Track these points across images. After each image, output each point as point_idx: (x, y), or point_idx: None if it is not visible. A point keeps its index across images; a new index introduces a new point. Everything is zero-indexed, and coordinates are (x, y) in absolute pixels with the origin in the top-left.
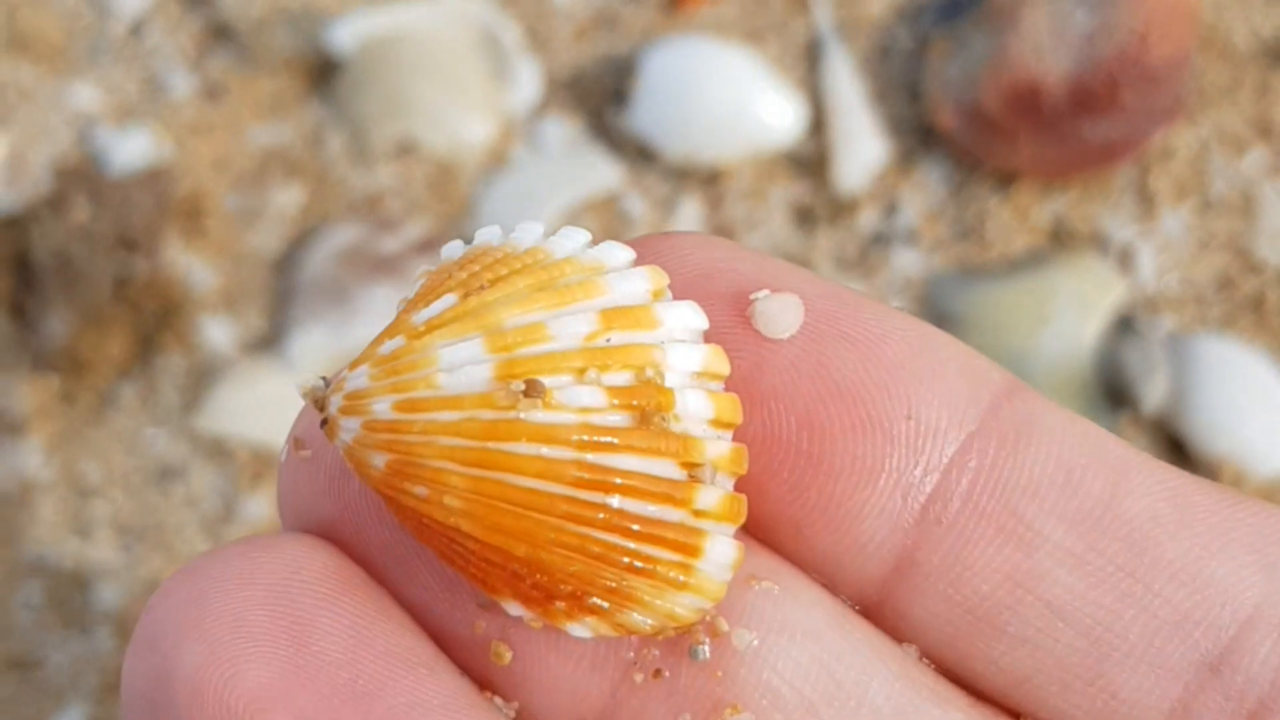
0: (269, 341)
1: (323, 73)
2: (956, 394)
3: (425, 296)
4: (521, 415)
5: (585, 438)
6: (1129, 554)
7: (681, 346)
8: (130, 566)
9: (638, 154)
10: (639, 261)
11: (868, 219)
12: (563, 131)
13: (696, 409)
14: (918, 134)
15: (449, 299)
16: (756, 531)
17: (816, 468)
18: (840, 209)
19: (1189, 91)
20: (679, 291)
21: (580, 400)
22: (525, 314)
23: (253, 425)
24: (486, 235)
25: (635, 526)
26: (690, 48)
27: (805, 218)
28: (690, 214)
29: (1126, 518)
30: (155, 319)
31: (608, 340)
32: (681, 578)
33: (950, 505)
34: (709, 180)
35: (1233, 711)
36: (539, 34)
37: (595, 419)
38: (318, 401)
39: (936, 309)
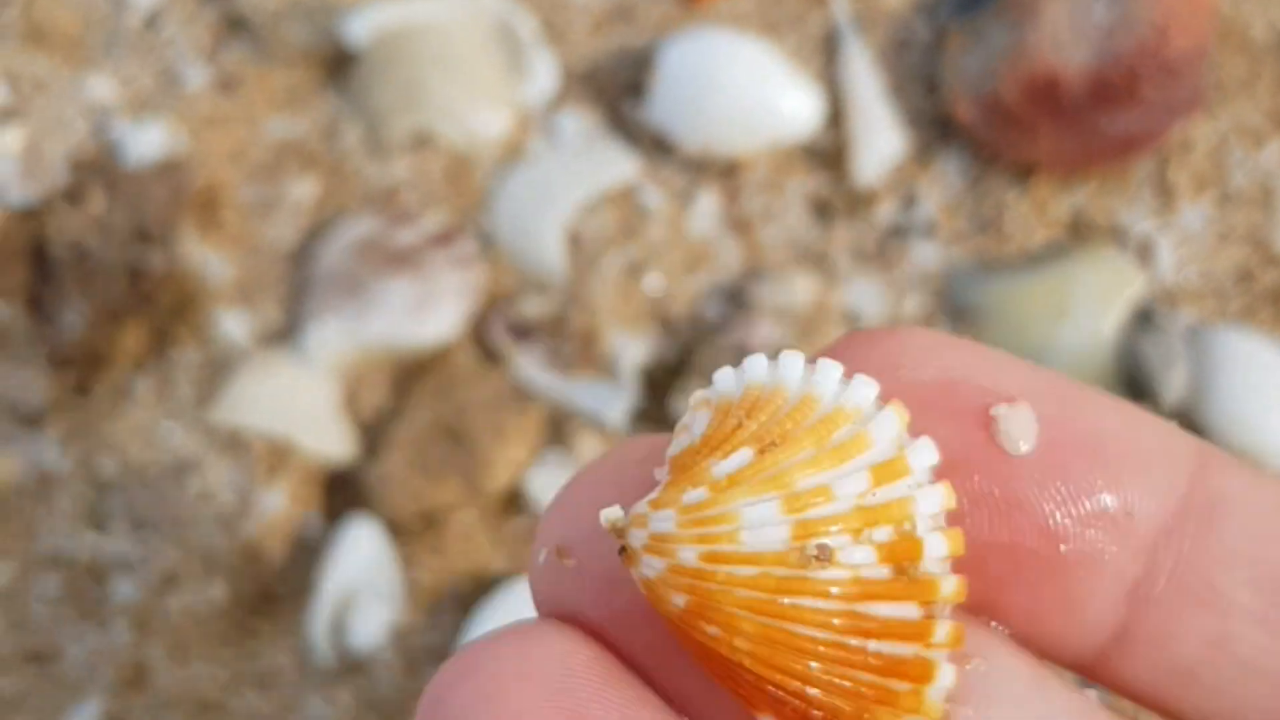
0: (284, 334)
1: (338, 65)
2: (1161, 480)
3: (720, 446)
4: (808, 575)
5: (856, 590)
6: None
7: (926, 491)
8: (147, 559)
9: (654, 146)
10: (873, 365)
11: (886, 211)
12: (579, 124)
13: (936, 551)
14: (936, 126)
15: (745, 454)
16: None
17: (1054, 568)
18: (858, 201)
19: (1208, 84)
20: (918, 405)
21: (855, 559)
22: (814, 475)
23: (269, 418)
24: (757, 369)
25: (881, 663)
26: (707, 40)
27: (823, 210)
28: (708, 206)
29: None
30: (171, 312)
31: (874, 496)
32: (913, 703)
33: (1158, 583)
34: (726, 172)
35: None
36: (555, 26)
37: (865, 573)
38: (618, 531)
39: (955, 302)
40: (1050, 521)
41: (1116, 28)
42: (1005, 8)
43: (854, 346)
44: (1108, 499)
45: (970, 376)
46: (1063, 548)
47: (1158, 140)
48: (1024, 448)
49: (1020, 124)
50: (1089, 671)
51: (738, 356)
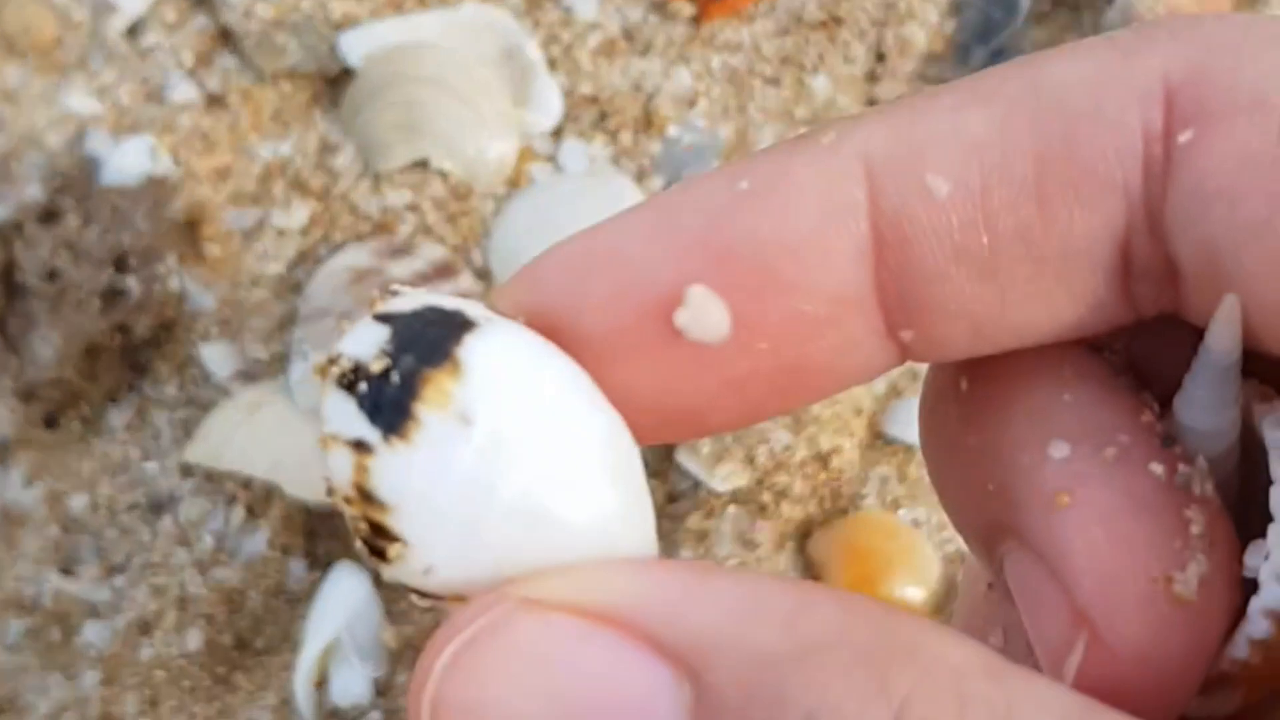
0: (269, 370)
1: (332, 84)
2: None
3: None
4: None
5: None
6: None
7: None
8: (118, 605)
9: (666, 179)
10: None
11: None
12: (585, 153)
13: None
14: None
15: None
16: None
17: None
18: None
19: None
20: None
21: None
22: None
23: (250, 459)
24: None
25: None
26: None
27: None
28: None
29: None
30: (148, 342)
31: None
32: None
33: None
34: None
35: None
36: (561, 49)
37: None
38: None
39: None
40: None
41: None
42: None
43: None
44: None
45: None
46: None
47: None
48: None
49: None
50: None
51: None
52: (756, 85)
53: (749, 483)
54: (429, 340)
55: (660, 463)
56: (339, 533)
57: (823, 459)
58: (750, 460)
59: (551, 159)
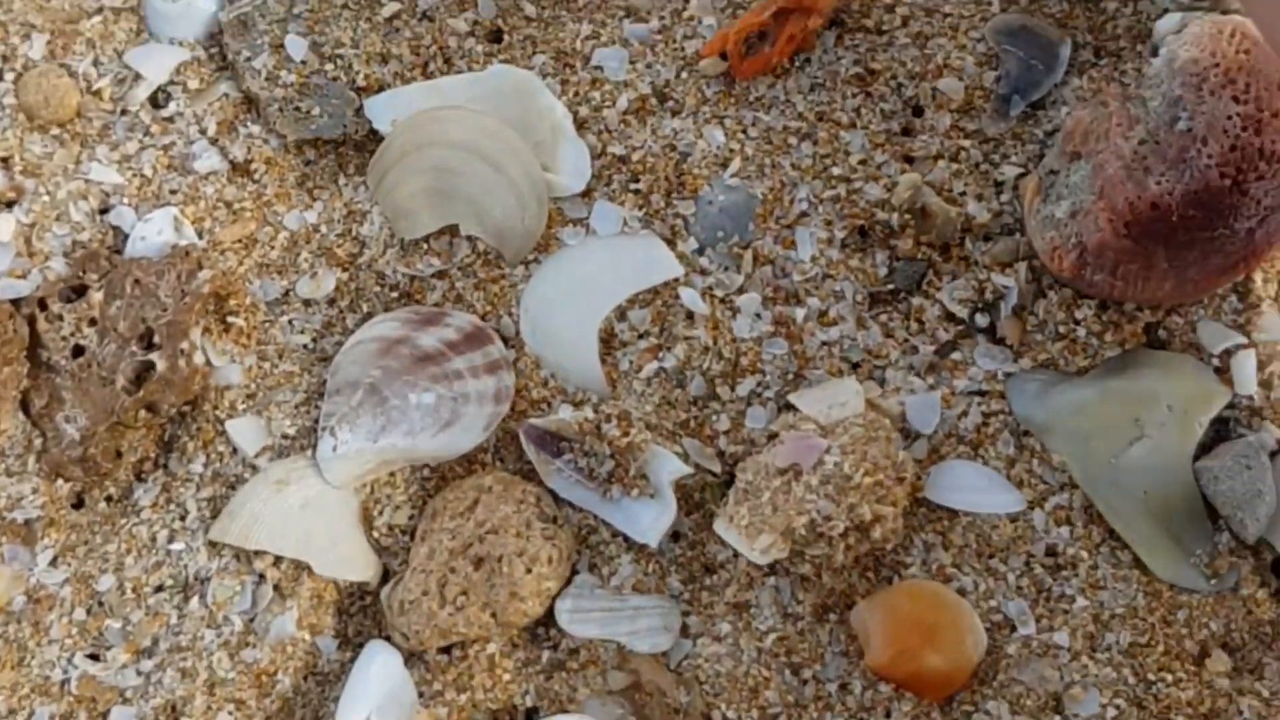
0: (297, 444)
1: (358, 149)
2: None
3: None
4: None
5: None
6: None
7: None
8: (146, 690)
9: (699, 241)
10: None
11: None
12: (616, 215)
13: None
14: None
15: None
16: None
17: None
18: (915, 304)
19: None
20: None
21: None
22: None
23: (280, 539)
24: None
25: None
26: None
27: (875, 301)
28: (754, 303)
29: None
30: (175, 418)
31: None
32: None
33: None
34: (767, 262)
35: None
36: (591, 109)
37: None
38: None
39: (1017, 416)
40: None
41: (1203, 132)
42: (1071, 139)
43: None
44: None
45: None
46: None
47: (1277, 242)
48: None
49: (1135, 263)
50: None
51: (782, 473)
52: (791, 142)
53: (789, 555)
54: None
55: (698, 532)
56: (370, 610)
57: (864, 529)
58: (789, 532)
59: (582, 222)
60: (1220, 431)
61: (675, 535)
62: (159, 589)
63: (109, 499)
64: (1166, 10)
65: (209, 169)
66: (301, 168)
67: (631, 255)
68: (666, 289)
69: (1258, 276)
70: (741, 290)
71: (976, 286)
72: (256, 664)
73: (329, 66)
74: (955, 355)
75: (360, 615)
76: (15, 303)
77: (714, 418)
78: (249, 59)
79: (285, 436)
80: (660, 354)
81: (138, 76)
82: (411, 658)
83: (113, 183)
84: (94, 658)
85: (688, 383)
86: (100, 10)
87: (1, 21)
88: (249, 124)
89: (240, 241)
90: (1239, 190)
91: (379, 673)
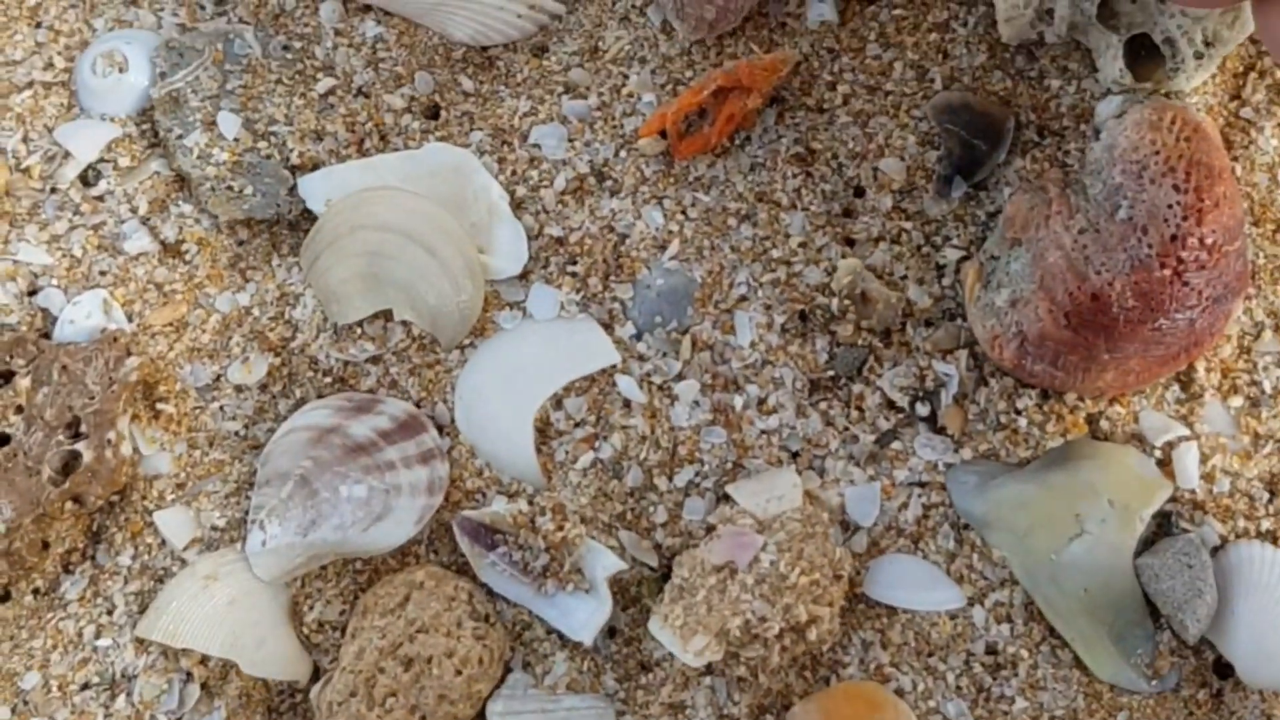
0: (227, 537)
1: (291, 228)
2: None
3: None
4: None
5: None
6: None
7: None
8: None
9: (637, 327)
10: None
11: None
12: (554, 298)
13: None
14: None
15: None
16: None
17: None
18: (857, 393)
19: (1249, 262)
20: None
21: None
22: None
23: (206, 635)
24: None
25: None
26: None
27: (815, 388)
28: (693, 390)
29: None
30: (104, 508)
31: None
32: None
33: None
34: (706, 348)
35: None
36: (529, 189)
37: None
38: None
39: (957, 509)
40: None
41: (1143, 221)
42: (1011, 224)
43: None
44: None
45: None
46: None
47: (1219, 332)
48: None
49: (1075, 354)
50: None
51: (718, 570)
52: (731, 223)
53: (723, 657)
54: None
55: (634, 628)
56: (301, 709)
57: (800, 630)
58: (724, 633)
59: (519, 305)
60: (1163, 524)
61: (611, 631)
62: (85, 686)
63: (35, 592)
64: (1109, 92)
65: (139, 250)
66: (234, 248)
67: (568, 341)
68: (604, 376)
69: (1200, 366)
70: (680, 377)
71: (918, 374)
72: None
73: (262, 144)
74: (896, 445)
75: (290, 714)
76: None
77: (651, 509)
78: (180, 136)
79: (214, 528)
80: (597, 443)
81: (67, 154)
82: None
83: (41, 263)
84: None
85: (624, 473)
86: (30, 85)
87: None
88: (180, 203)
89: (171, 325)
90: (1180, 280)
91: None
